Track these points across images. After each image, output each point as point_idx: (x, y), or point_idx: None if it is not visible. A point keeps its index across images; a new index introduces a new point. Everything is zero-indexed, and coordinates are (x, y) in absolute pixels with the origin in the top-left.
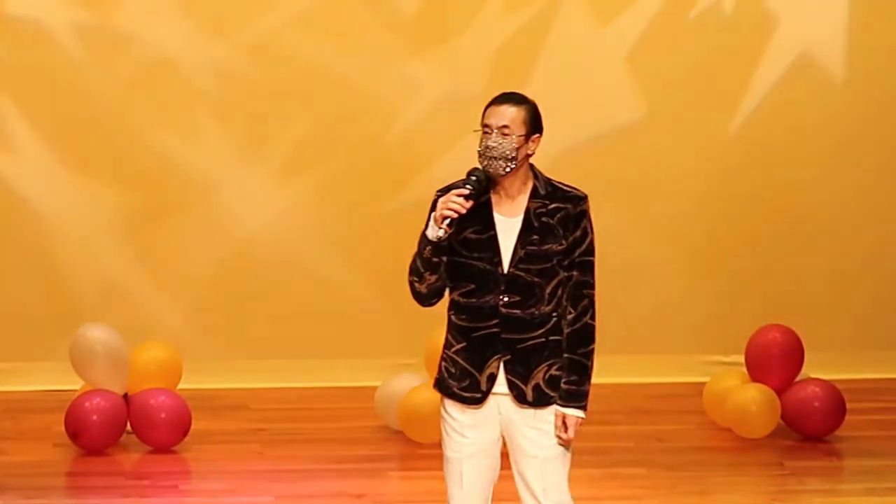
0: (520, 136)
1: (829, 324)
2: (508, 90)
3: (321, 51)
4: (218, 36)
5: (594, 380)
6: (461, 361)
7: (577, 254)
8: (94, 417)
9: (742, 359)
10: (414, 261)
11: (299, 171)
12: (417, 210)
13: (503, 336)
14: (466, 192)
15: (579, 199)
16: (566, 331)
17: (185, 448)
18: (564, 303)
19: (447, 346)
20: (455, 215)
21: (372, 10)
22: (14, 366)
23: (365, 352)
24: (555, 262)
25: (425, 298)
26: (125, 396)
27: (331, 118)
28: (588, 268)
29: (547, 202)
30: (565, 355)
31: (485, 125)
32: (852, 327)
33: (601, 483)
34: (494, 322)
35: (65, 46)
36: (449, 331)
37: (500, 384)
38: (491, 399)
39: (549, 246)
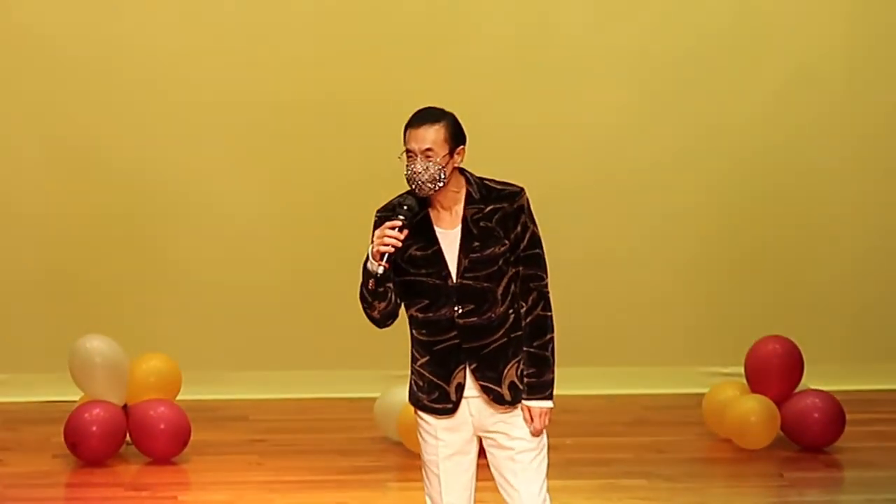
0: (444, 155)
1: (829, 335)
2: (427, 105)
3: (319, 58)
4: (216, 43)
5: (594, 391)
6: (427, 374)
7: (520, 249)
8: (94, 428)
9: (742, 370)
10: (361, 290)
11: (299, 182)
12: None
13: (464, 346)
14: (400, 223)
15: (515, 196)
16: (523, 324)
17: (185, 459)
18: (520, 299)
19: (413, 360)
20: (392, 250)
21: (370, 16)
22: (13, 377)
23: (364, 363)
24: (501, 262)
25: (380, 322)
26: (125, 407)
27: (332, 128)
28: (534, 260)
29: (482, 206)
30: (524, 349)
31: (408, 150)
32: (852, 338)
33: (601, 494)
34: (453, 334)
35: (65, 54)
36: (413, 345)
37: (470, 389)
38: (462, 403)
39: (492, 249)
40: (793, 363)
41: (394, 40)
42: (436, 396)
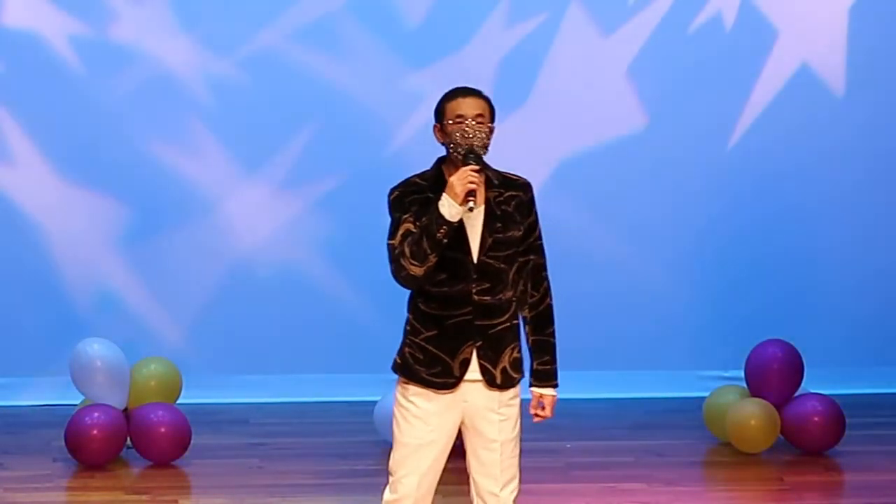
0: (490, 125)
1: (829, 338)
2: (467, 86)
3: (321, 65)
4: (217, 51)
5: (594, 395)
6: (431, 348)
7: (532, 238)
8: (94, 432)
9: (742, 374)
10: (418, 244)
11: (299, 186)
12: None
13: (476, 323)
14: (477, 167)
15: (528, 187)
16: (530, 314)
17: (185, 463)
18: (522, 287)
19: (414, 333)
20: (476, 187)
21: (372, 23)
22: (14, 380)
23: (364, 366)
24: (516, 247)
25: (419, 281)
26: (125, 411)
27: (331, 133)
28: (542, 251)
29: (502, 190)
30: (533, 337)
31: (458, 115)
32: (852, 342)
33: (601, 498)
34: (467, 309)
35: (64, 60)
36: (416, 319)
37: (473, 370)
38: (461, 386)
39: (511, 233)
40: (793, 367)
41: (396, 51)
42: (437, 371)
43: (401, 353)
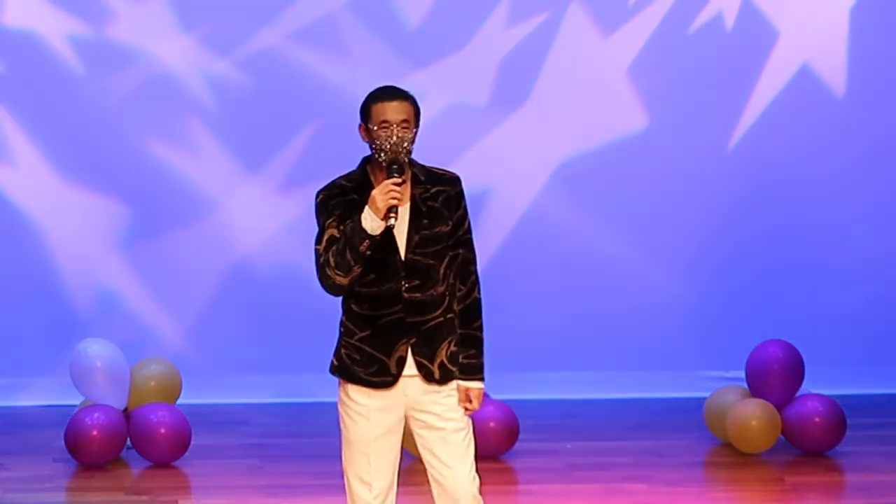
0: (415, 129)
1: (830, 339)
2: (390, 84)
3: (321, 65)
4: (217, 51)
5: (594, 395)
6: (367, 348)
7: (460, 232)
8: (94, 433)
9: (743, 374)
10: (342, 256)
11: (299, 186)
12: None
13: (408, 320)
14: (400, 180)
15: (456, 181)
16: (458, 307)
17: (186, 463)
18: (452, 281)
19: (348, 334)
20: (398, 203)
21: (373, 23)
22: (14, 381)
23: None
24: (444, 242)
25: (344, 289)
26: (125, 411)
27: (331, 133)
28: (471, 244)
29: (428, 186)
30: (460, 331)
31: (383, 121)
32: (853, 342)
33: (601, 498)
34: (398, 308)
35: (64, 61)
36: (349, 320)
37: (409, 367)
38: (400, 382)
39: (439, 228)
40: (794, 367)
41: (396, 51)
42: (374, 370)
43: (337, 354)
